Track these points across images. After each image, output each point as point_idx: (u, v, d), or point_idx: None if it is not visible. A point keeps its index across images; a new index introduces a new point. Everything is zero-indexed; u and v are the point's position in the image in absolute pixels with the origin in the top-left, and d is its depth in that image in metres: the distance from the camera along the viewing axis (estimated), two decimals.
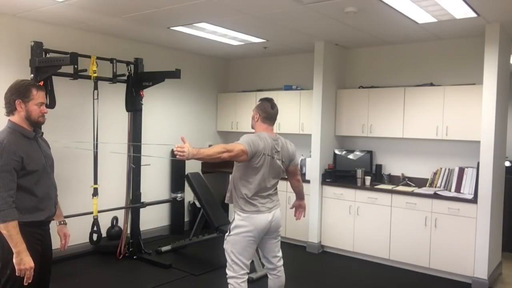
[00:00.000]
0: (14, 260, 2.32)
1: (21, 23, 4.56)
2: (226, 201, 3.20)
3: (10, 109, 2.50)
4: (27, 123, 2.51)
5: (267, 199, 3.09)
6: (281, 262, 3.29)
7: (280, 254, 3.28)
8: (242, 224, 3.01)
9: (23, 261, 2.32)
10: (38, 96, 2.52)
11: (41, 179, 2.50)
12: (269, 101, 3.17)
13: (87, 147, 4.63)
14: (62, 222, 2.81)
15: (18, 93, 2.48)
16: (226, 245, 3.08)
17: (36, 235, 2.50)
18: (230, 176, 3.19)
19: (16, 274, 2.33)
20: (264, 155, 3.00)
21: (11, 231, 2.31)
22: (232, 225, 3.06)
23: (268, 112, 3.14)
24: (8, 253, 2.34)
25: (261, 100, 3.21)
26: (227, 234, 3.09)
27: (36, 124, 2.55)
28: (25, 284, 2.35)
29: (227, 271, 3.07)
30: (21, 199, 2.40)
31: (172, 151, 2.49)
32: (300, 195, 3.51)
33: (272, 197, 3.15)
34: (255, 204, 3.02)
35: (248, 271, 3.09)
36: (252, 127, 3.23)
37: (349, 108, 5.65)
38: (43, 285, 2.64)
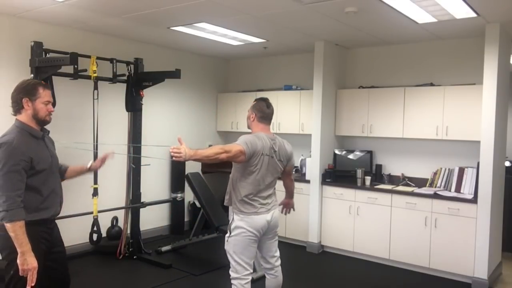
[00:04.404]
0: (18, 260, 2.33)
1: (21, 23, 4.57)
2: (225, 204, 3.15)
3: (17, 108, 2.53)
4: (34, 122, 2.53)
5: (266, 200, 3.09)
6: (279, 262, 3.28)
7: (277, 253, 3.27)
8: (242, 224, 3.00)
9: (27, 261, 2.34)
10: (45, 94, 2.55)
11: (48, 178, 2.54)
12: (265, 100, 3.16)
13: (87, 147, 4.62)
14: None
15: (25, 91, 2.51)
16: (227, 247, 3.06)
17: (42, 234, 2.51)
18: (229, 177, 3.16)
19: (20, 274, 2.34)
20: (263, 155, 3.00)
21: (17, 231, 2.32)
22: (232, 226, 3.03)
23: (264, 112, 3.13)
24: (13, 252, 2.35)
25: (256, 100, 3.20)
26: (227, 235, 3.06)
27: (43, 123, 2.58)
28: (28, 287, 2.35)
29: (230, 272, 3.06)
30: (28, 198, 2.42)
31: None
32: (291, 194, 3.55)
33: (271, 197, 3.14)
34: (254, 205, 3.02)
35: (252, 271, 3.08)
36: (249, 127, 3.21)
37: (349, 108, 5.65)
38: (64, 281, 2.69)
